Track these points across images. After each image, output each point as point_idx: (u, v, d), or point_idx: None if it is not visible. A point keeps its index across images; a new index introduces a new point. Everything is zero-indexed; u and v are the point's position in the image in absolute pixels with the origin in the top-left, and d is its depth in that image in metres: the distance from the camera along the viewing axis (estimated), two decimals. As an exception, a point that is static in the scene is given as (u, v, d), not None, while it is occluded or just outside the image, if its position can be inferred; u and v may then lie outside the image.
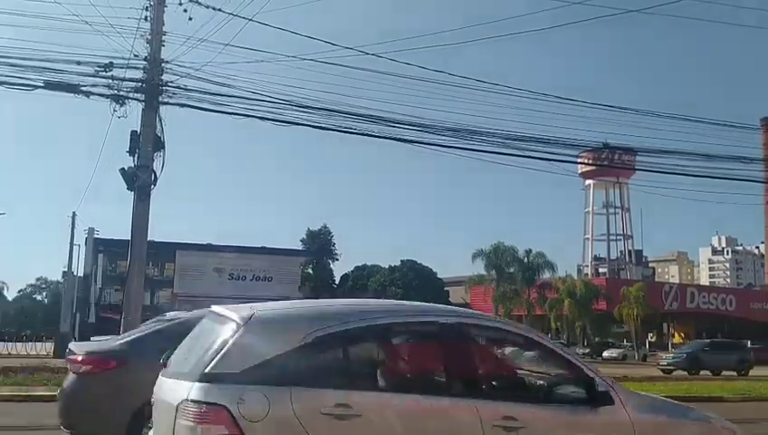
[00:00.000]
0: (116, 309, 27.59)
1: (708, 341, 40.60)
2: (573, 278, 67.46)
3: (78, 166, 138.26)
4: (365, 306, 5.03)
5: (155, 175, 16.97)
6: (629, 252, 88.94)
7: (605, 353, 53.20)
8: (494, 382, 4.80)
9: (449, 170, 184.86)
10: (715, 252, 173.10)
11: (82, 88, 15.92)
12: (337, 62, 17.65)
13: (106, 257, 45.42)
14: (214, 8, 16.39)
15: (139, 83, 16.73)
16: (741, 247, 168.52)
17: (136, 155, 16.75)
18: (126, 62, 16.55)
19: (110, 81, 16.19)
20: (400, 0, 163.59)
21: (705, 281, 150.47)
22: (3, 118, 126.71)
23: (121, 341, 7.78)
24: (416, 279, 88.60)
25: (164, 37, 17.22)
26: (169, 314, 8.12)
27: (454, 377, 4.40)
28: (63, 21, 19.31)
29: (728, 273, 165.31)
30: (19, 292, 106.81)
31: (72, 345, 7.89)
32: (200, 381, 3.85)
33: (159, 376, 4.49)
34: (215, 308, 4.73)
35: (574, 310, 59.67)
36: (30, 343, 30.82)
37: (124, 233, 21.80)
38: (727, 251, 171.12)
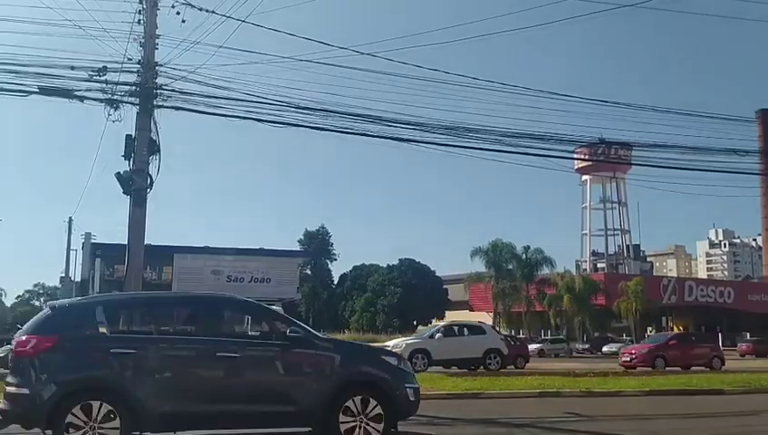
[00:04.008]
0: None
1: None
2: (572, 274, 67.60)
3: (74, 171, 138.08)
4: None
5: (151, 179, 16.93)
6: (627, 247, 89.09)
7: (605, 348, 53.11)
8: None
9: (446, 168, 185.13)
10: (712, 245, 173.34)
11: (76, 93, 15.87)
12: (332, 62, 17.63)
13: (103, 262, 45.26)
14: (207, 10, 16.35)
15: (134, 87, 16.67)
16: (738, 240, 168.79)
17: (131, 159, 16.71)
18: (120, 65, 16.49)
19: (104, 85, 16.14)
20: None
21: (702, 274, 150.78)
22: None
23: None
24: (414, 278, 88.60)
25: (157, 40, 17.15)
26: None
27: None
28: (56, 26, 19.36)
29: (726, 265, 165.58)
30: (17, 298, 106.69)
31: None
32: None
33: None
34: None
35: (573, 305, 59.71)
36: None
37: (121, 237, 21.75)
38: (725, 244, 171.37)
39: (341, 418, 8.23)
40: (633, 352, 30.77)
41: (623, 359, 30.42)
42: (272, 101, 16.22)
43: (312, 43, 17.46)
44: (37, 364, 7.57)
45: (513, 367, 27.56)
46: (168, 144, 16.95)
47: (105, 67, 16.07)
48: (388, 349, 13.03)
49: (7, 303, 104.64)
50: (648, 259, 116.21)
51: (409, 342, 25.83)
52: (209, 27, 16.71)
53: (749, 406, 14.57)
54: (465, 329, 27.56)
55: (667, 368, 27.57)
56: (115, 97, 16.32)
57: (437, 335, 25.97)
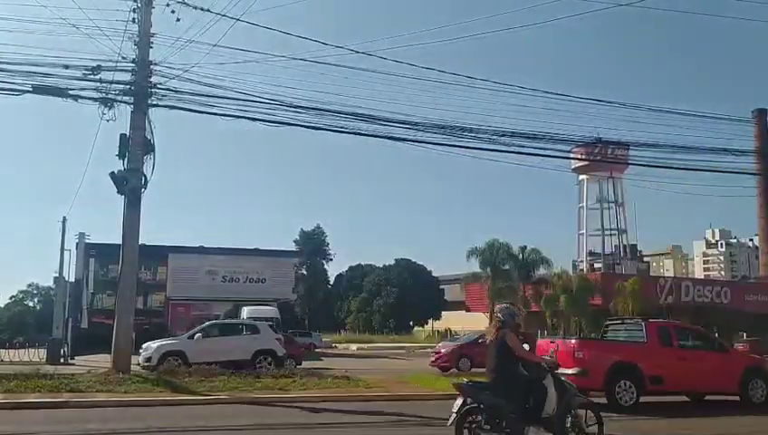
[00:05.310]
0: (109, 314, 27.32)
1: None
2: (569, 274, 67.34)
3: (68, 170, 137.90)
4: None
5: (145, 178, 16.86)
6: (624, 247, 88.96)
7: (602, 348, 53.01)
8: None
9: (443, 168, 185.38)
10: (709, 245, 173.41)
11: (71, 92, 15.80)
12: (328, 61, 17.58)
13: (97, 262, 45.11)
14: (202, 9, 16.27)
15: (128, 86, 16.59)
16: (735, 240, 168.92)
17: (125, 158, 16.63)
18: (114, 64, 16.43)
19: (99, 84, 16.06)
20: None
21: (699, 274, 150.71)
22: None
23: None
24: (410, 278, 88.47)
25: (152, 39, 17.11)
26: None
27: None
28: (51, 24, 19.20)
29: (722, 265, 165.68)
30: (11, 298, 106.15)
31: None
32: None
33: None
34: None
35: (570, 305, 59.59)
36: (23, 350, 30.60)
37: (115, 237, 21.64)
38: (721, 244, 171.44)
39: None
40: (440, 351, 27.93)
41: (431, 359, 27.92)
42: (266, 100, 16.18)
43: (307, 42, 17.41)
44: None
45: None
46: (162, 143, 16.89)
47: (99, 66, 16.00)
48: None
49: (1, 303, 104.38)
50: (646, 259, 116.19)
51: (163, 343, 23.05)
52: (204, 26, 16.62)
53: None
54: (234, 328, 24.82)
55: (473, 369, 25.06)
56: (109, 96, 16.26)
57: (197, 335, 23.06)
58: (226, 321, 28.47)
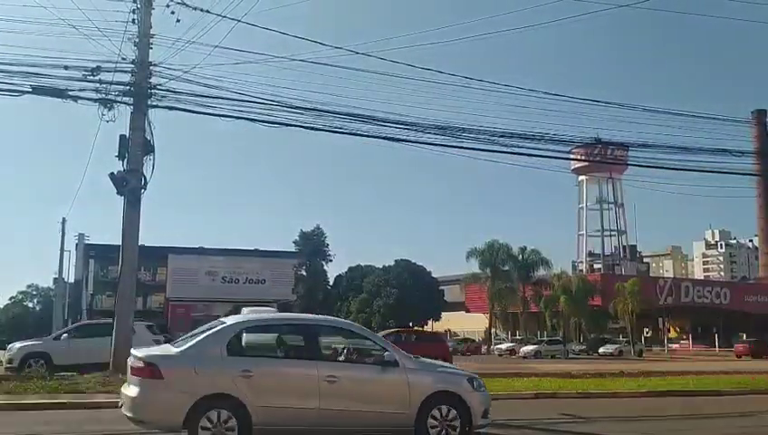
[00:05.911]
0: (108, 315, 27.28)
1: None
2: (568, 275, 67.43)
3: (68, 171, 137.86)
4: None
5: (145, 179, 16.85)
6: (624, 247, 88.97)
7: (601, 349, 52.97)
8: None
9: (442, 168, 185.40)
10: (708, 246, 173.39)
11: (70, 92, 15.78)
12: (326, 61, 17.58)
13: (97, 263, 45.15)
14: (201, 10, 16.25)
15: (128, 87, 16.58)
16: (734, 241, 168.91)
17: (125, 159, 16.62)
18: (114, 65, 16.41)
19: (98, 85, 16.05)
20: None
21: (699, 275, 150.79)
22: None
23: None
24: (410, 279, 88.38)
25: (152, 40, 17.09)
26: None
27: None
28: (50, 25, 19.21)
29: (722, 266, 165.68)
30: (10, 299, 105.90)
31: None
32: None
33: None
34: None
35: (570, 306, 59.63)
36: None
37: (115, 238, 21.61)
38: (721, 245, 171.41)
39: None
40: None
41: None
42: (265, 101, 16.18)
43: (306, 42, 17.42)
44: None
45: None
46: (162, 143, 16.88)
47: (99, 67, 15.98)
48: None
49: (0, 304, 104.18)
50: (645, 260, 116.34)
51: (25, 344, 21.38)
52: (204, 27, 16.61)
53: (747, 407, 14.54)
54: (106, 328, 20.73)
55: None
56: (109, 97, 16.24)
57: (64, 336, 21.82)
58: (98, 321, 26.44)
